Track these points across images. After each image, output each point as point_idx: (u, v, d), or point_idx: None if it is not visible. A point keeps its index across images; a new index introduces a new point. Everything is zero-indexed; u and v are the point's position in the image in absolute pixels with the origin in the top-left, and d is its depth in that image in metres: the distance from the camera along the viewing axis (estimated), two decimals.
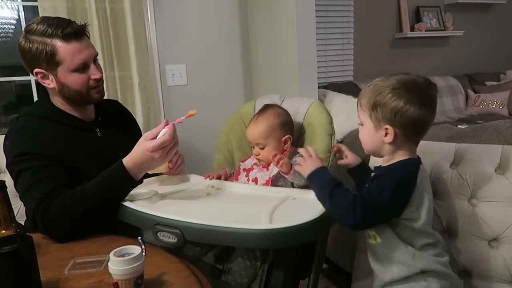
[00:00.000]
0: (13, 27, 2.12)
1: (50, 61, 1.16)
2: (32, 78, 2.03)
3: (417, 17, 3.65)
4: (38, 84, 1.27)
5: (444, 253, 0.99)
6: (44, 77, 1.20)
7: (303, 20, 2.01)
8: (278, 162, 1.14)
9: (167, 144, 1.06)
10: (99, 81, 1.24)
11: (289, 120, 1.37)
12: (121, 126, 1.39)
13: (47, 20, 1.17)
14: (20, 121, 1.22)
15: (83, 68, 1.19)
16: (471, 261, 1.12)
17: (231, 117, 1.66)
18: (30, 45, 1.15)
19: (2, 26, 2.11)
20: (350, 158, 1.14)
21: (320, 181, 0.96)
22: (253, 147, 1.35)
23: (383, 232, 0.96)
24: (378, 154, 1.01)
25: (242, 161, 1.44)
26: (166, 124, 1.08)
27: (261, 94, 2.07)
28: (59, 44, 1.15)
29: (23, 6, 2.03)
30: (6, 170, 1.48)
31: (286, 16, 2.06)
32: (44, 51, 1.14)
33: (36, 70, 1.18)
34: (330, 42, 3.17)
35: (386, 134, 0.94)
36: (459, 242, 1.14)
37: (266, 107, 1.38)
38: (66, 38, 1.15)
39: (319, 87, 2.20)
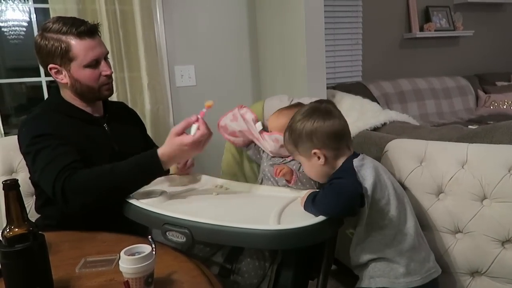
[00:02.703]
0: (24, 29, 2.15)
1: (64, 57, 1.21)
2: (43, 79, 2.06)
3: (426, 17, 3.62)
4: (49, 86, 1.29)
5: (399, 240, 1.07)
6: (58, 72, 1.25)
7: (312, 21, 2.01)
8: (278, 174, 1.20)
9: (205, 136, 1.11)
10: (110, 77, 1.29)
11: None
12: (127, 123, 1.43)
13: (62, 19, 1.23)
14: (33, 112, 1.27)
15: (95, 64, 1.24)
16: (484, 262, 1.11)
17: None
18: (46, 42, 1.21)
19: (14, 28, 2.13)
20: None
21: (308, 203, 1.05)
22: None
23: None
24: (327, 177, 1.13)
25: None
26: (197, 119, 1.12)
27: (270, 94, 2.07)
28: (73, 41, 1.20)
29: (35, 8, 2.06)
30: (18, 170, 1.52)
31: (294, 16, 2.06)
32: (59, 47, 1.20)
33: (50, 65, 1.24)
34: (338, 43, 3.16)
35: (318, 158, 1.10)
36: (473, 243, 1.13)
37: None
38: (80, 35, 1.21)
39: (327, 88, 2.20)
